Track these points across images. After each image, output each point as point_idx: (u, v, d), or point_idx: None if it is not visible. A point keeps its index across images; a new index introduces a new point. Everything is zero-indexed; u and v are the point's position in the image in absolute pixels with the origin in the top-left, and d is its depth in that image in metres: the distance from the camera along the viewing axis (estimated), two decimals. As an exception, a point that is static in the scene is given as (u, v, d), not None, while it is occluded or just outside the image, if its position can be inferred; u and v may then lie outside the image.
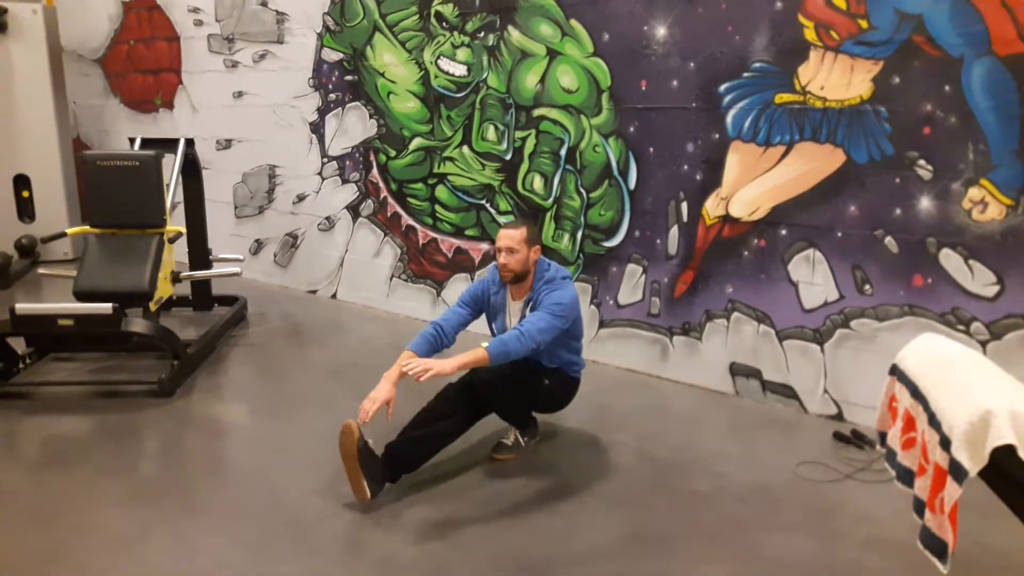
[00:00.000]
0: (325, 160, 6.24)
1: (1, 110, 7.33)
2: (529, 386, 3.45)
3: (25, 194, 7.45)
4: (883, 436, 2.38)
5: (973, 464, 1.72)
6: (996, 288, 3.48)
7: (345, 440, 3.04)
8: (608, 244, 4.73)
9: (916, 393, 2.08)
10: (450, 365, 3.04)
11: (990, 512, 2.30)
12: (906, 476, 2.12)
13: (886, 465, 2.30)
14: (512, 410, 3.52)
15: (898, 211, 3.69)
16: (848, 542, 2.88)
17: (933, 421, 1.90)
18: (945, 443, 1.80)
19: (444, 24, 5.28)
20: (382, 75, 5.72)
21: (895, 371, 2.28)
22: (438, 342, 3.38)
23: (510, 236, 3.36)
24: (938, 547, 1.84)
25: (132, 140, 5.56)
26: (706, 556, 2.80)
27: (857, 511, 3.09)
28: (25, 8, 7.32)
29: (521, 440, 3.59)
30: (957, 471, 1.74)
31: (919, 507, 1.97)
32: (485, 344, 3.13)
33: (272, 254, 6.83)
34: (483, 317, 3.62)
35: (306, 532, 2.92)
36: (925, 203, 3.62)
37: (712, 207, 4.28)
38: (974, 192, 3.49)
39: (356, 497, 3.06)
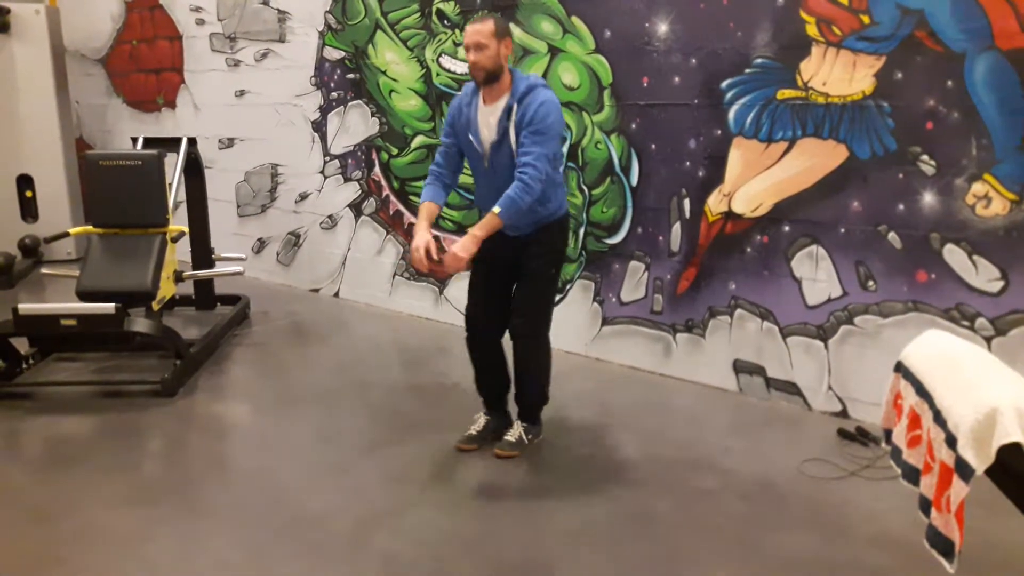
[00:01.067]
0: (327, 159, 6.24)
1: (4, 110, 7.34)
2: (546, 292, 3.44)
3: (28, 194, 7.46)
4: (888, 434, 2.36)
5: (980, 462, 1.70)
6: (1001, 284, 3.47)
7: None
8: (610, 241, 4.72)
9: (921, 390, 2.06)
10: (471, 244, 3.05)
11: (997, 509, 2.29)
12: (912, 474, 2.11)
13: (891, 463, 2.29)
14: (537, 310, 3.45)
15: (901, 207, 3.68)
16: (853, 539, 2.87)
17: (939, 419, 1.88)
18: (951, 441, 1.79)
19: (445, 22, 5.27)
20: (384, 73, 5.71)
21: (900, 368, 2.26)
22: (442, 183, 3.38)
23: (477, 31, 3.08)
24: (945, 546, 1.83)
25: (135, 139, 5.57)
26: (710, 553, 2.79)
27: (862, 508, 3.08)
28: (28, 8, 7.32)
29: (525, 437, 3.56)
30: (963, 469, 1.73)
31: (925, 505, 1.96)
32: (496, 209, 3.06)
33: (275, 253, 6.82)
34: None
35: (308, 531, 2.92)
36: (928, 198, 3.60)
37: (715, 204, 4.26)
38: (978, 187, 3.47)
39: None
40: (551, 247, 3.39)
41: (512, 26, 4.89)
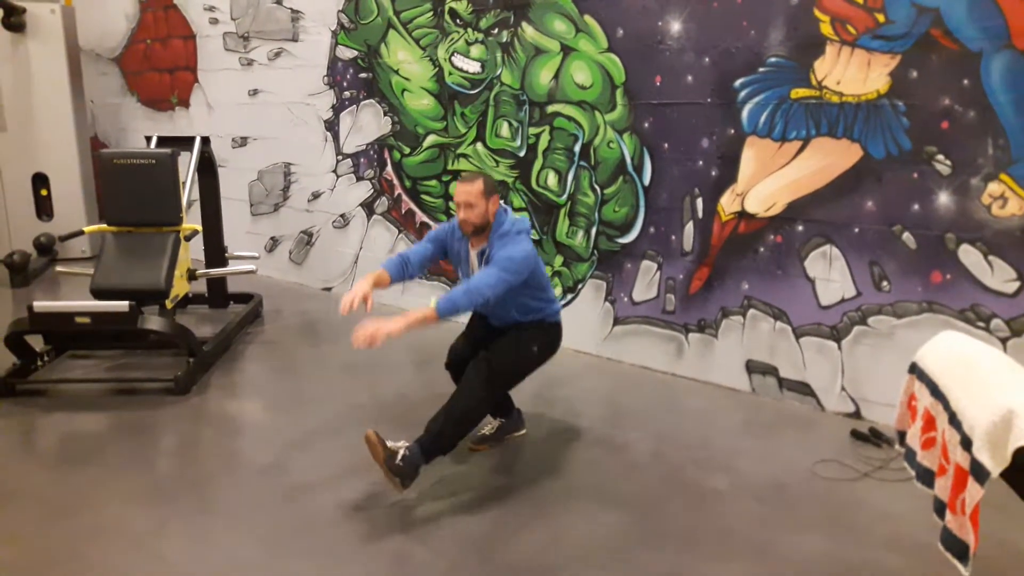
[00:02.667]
0: (340, 157, 6.25)
1: (20, 109, 7.39)
2: (520, 354, 3.44)
3: (43, 192, 7.51)
4: (902, 435, 2.35)
5: (995, 464, 1.69)
6: (1016, 284, 3.44)
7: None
8: (623, 241, 4.71)
9: (936, 392, 2.05)
10: (399, 325, 3.07)
11: (1012, 512, 2.27)
12: (926, 476, 2.10)
13: (905, 464, 2.27)
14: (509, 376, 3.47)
15: (916, 206, 3.65)
16: (866, 541, 2.85)
17: (954, 420, 1.87)
18: (966, 443, 1.78)
19: (458, 21, 5.27)
20: (396, 72, 5.72)
21: (914, 369, 2.25)
22: (405, 271, 3.50)
23: (467, 191, 3.30)
24: (960, 548, 1.81)
25: (148, 138, 5.59)
26: (722, 554, 2.78)
27: (875, 510, 3.07)
28: (43, 8, 7.37)
29: (401, 463, 3.05)
30: (979, 472, 1.72)
31: (940, 508, 1.95)
32: (432, 303, 3.13)
33: (287, 251, 6.85)
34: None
35: (320, 529, 2.93)
36: (944, 198, 3.58)
37: (728, 203, 4.25)
38: (994, 187, 3.44)
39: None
40: (540, 332, 3.49)
41: (525, 25, 4.89)
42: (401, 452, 3.07)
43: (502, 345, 3.40)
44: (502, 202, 3.48)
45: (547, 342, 3.53)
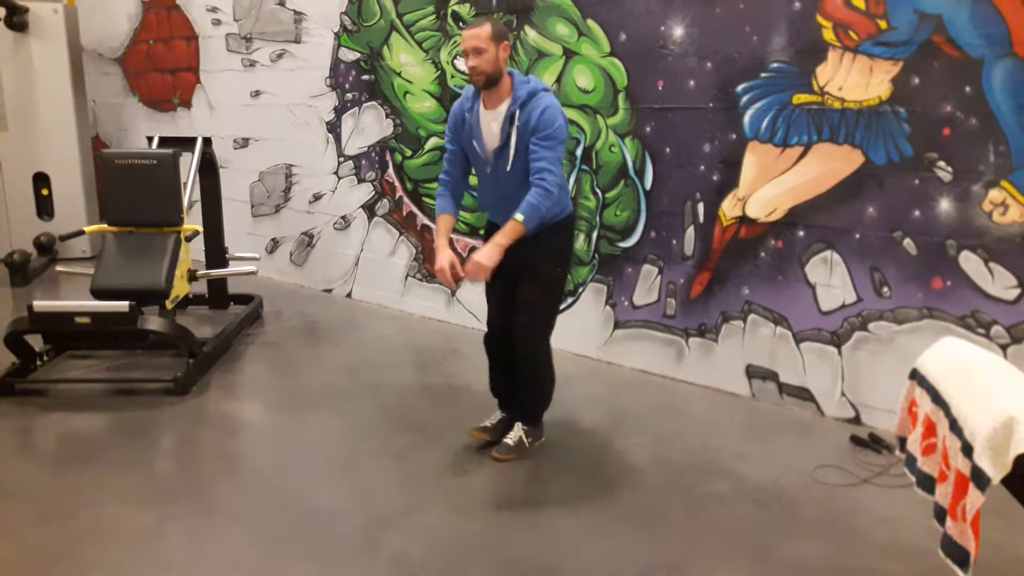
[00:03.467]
0: (341, 159, 6.25)
1: (22, 108, 7.39)
2: (549, 289, 3.41)
3: (44, 192, 7.51)
4: (903, 441, 2.35)
5: (996, 471, 1.69)
6: (1017, 291, 3.44)
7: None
8: (624, 244, 4.71)
9: (937, 398, 2.05)
10: (495, 253, 3.08)
11: (1012, 519, 2.27)
12: (927, 482, 2.10)
13: (905, 470, 2.27)
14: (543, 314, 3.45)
15: (917, 213, 3.66)
16: (866, 547, 2.85)
17: (955, 427, 1.87)
18: (967, 449, 1.78)
19: (461, 24, 5.27)
20: (399, 75, 5.72)
21: (915, 375, 2.25)
22: (459, 193, 3.41)
23: (475, 35, 3.05)
24: (960, 555, 1.81)
25: (150, 139, 5.60)
26: (722, 559, 2.78)
27: (875, 515, 3.06)
28: (46, 8, 7.38)
29: (525, 441, 3.53)
30: (980, 478, 1.72)
31: (940, 514, 1.95)
32: (519, 217, 3.08)
33: (288, 253, 6.85)
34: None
35: (320, 530, 2.93)
36: (945, 205, 3.58)
37: (729, 208, 4.25)
38: (995, 194, 3.45)
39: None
40: (556, 247, 3.39)
41: (527, 28, 4.90)
42: (523, 440, 3.48)
43: (529, 295, 3.33)
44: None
45: (565, 253, 3.45)
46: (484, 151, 3.26)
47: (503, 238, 3.09)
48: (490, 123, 3.22)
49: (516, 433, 3.52)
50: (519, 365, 3.46)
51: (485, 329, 3.59)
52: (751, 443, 3.75)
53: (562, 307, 4.88)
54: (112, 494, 3.20)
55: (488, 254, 3.07)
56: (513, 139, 3.15)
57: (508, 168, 3.20)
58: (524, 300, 3.34)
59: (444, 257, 3.21)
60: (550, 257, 3.36)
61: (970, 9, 3.40)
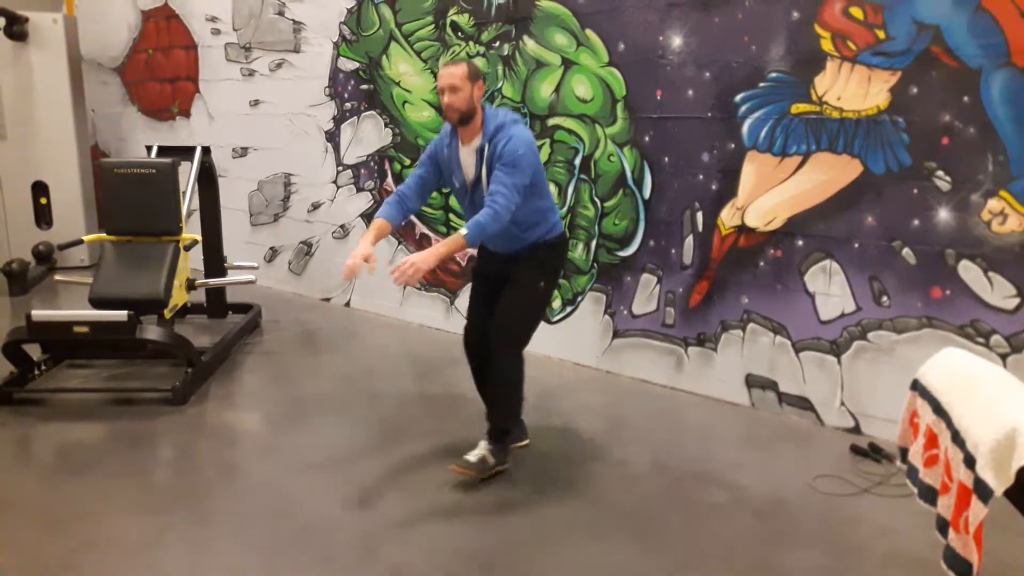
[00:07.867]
0: (340, 168, 6.26)
1: (21, 118, 7.40)
2: (530, 300, 3.41)
3: (43, 201, 7.51)
4: (904, 452, 2.34)
5: (999, 483, 1.69)
6: (1016, 301, 3.44)
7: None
8: (622, 254, 4.71)
9: (939, 409, 2.05)
10: (431, 259, 3.04)
11: (1014, 531, 2.27)
12: (928, 494, 2.09)
13: (907, 481, 2.27)
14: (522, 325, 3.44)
15: (916, 222, 3.66)
16: (866, 557, 2.84)
17: (957, 438, 1.87)
18: (970, 461, 1.77)
19: (459, 34, 5.28)
20: (397, 84, 5.73)
21: (916, 386, 2.25)
22: (404, 209, 3.40)
23: (451, 74, 3.18)
24: (962, 567, 1.81)
25: (149, 148, 5.60)
26: (721, 570, 2.77)
27: (875, 525, 3.06)
28: (46, 17, 7.40)
29: (489, 459, 3.38)
30: (982, 490, 1.71)
31: (943, 526, 1.94)
32: (463, 232, 3.09)
33: (287, 262, 6.84)
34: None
35: (319, 540, 2.92)
36: (943, 214, 3.58)
37: (728, 217, 4.25)
38: (993, 204, 3.45)
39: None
40: (544, 261, 3.44)
41: (526, 38, 4.91)
42: (486, 458, 3.36)
43: (509, 299, 3.36)
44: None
45: (552, 268, 3.48)
46: (463, 183, 3.39)
47: (443, 247, 3.11)
48: (466, 158, 3.35)
49: (479, 451, 3.40)
50: (489, 377, 3.47)
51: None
52: (750, 452, 3.74)
53: (561, 316, 4.91)
54: (110, 504, 3.18)
55: (424, 257, 3.05)
56: (483, 172, 3.28)
57: (484, 198, 3.28)
58: (503, 305, 3.39)
59: (361, 248, 3.18)
60: (536, 269, 3.42)
61: (968, 19, 3.41)
